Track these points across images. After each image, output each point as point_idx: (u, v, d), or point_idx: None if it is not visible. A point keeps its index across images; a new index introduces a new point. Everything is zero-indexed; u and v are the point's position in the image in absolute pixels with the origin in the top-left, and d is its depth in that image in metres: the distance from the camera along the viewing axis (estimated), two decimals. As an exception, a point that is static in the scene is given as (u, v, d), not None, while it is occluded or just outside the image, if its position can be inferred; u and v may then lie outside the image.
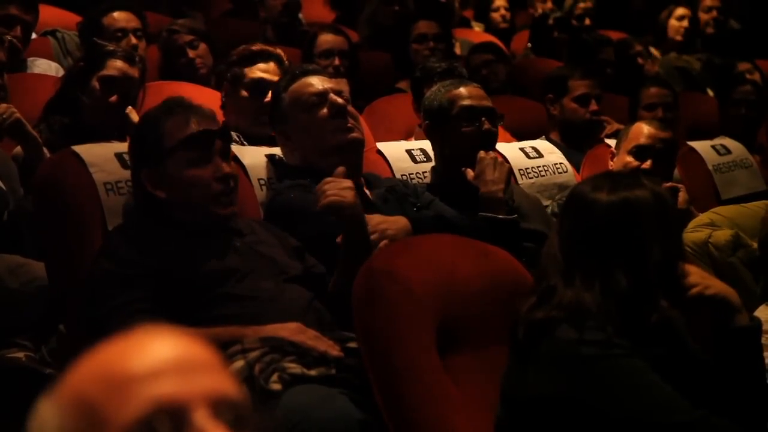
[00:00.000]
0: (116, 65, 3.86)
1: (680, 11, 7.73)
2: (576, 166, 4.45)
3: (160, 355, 1.11)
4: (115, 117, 3.83)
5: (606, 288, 2.17)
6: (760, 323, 2.35)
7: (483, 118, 3.54)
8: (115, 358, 1.11)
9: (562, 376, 2.13)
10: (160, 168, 2.80)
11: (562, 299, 2.18)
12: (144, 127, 2.92)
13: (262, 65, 4.00)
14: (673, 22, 7.70)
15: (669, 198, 2.33)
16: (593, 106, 4.93)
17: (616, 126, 5.09)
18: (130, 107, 3.88)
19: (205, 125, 2.82)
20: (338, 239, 2.88)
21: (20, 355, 3.22)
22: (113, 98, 3.81)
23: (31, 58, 4.69)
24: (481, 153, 3.43)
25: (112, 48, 3.96)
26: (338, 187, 2.82)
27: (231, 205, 2.84)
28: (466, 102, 3.56)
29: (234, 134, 3.88)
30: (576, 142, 4.85)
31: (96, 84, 3.82)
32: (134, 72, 3.90)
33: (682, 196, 3.93)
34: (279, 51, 4.13)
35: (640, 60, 6.63)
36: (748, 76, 6.40)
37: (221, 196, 2.80)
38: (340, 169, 2.89)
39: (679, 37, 7.66)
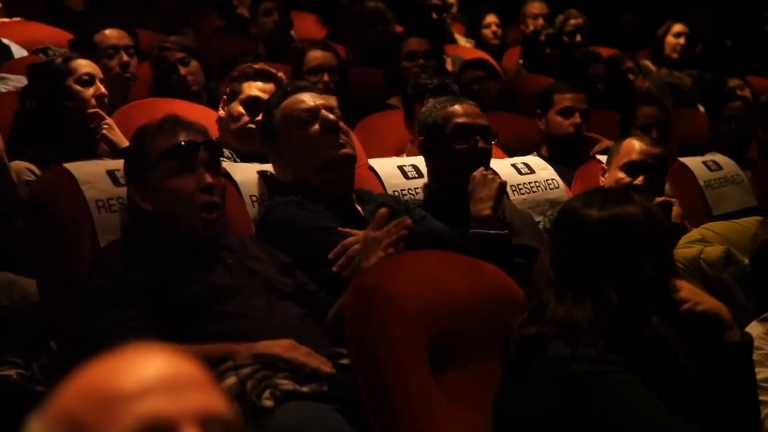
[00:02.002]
0: (83, 64, 4.00)
1: (678, 27, 7.72)
2: (567, 181, 4.45)
3: (149, 373, 1.11)
4: (104, 109, 3.98)
5: (597, 304, 2.17)
6: (752, 339, 2.35)
7: (477, 137, 3.54)
8: (104, 376, 1.11)
9: (554, 393, 2.13)
10: (146, 180, 2.83)
11: (553, 315, 2.18)
12: (134, 141, 2.96)
13: (260, 84, 4.01)
14: (670, 39, 7.70)
15: (660, 214, 2.34)
16: (576, 119, 4.94)
17: (606, 143, 5.10)
18: (110, 121, 3.94)
19: (191, 137, 2.84)
20: (331, 255, 2.88)
21: (12, 372, 3.21)
22: (99, 90, 3.94)
23: (18, 76, 4.68)
24: (474, 172, 3.43)
25: (67, 55, 4.06)
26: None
27: (215, 222, 2.83)
28: (461, 120, 3.55)
29: (227, 151, 3.89)
30: (562, 156, 4.86)
31: (76, 86, 3.90)
32: (95, 63, 4.05)
33: (676, 210, 3.94)
34: (281, 75, 4.13)
35: (630, 76, 6.64)
36: (738, 92, 6.42)
37: (206, 207, 2.80)
38: (384, 211, 2.91)
39: (675, 55, 7.66)
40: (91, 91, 3.96)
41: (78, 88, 3.94)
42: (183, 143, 2.83)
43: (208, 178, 2.81)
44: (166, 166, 2.81)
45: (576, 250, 2.24)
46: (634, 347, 2.18)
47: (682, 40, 7.68)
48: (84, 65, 3.99)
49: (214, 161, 2.89)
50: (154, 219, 2.83)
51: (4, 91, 4.41)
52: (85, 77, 3.96)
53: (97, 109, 3.97)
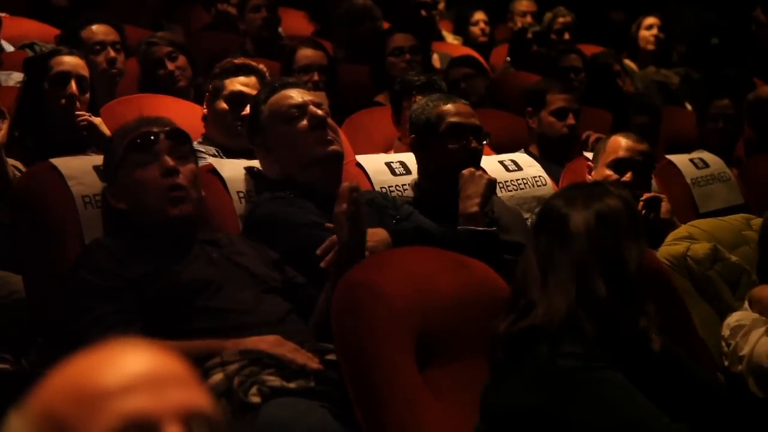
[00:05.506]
0: (62, 61, 3.90)
1: (648, 20, 7.74)
2: (555, 179, 4.46)
3: (131, 370, 1.10)
4: (74, 112, 3.86)
5: (584, 299, 2.17)
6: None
7: (470, 136, 3.53)
8: (86, 372, 1.10)
9: (542, 390, 2.13)
10: (117, 179, 2.84)
11: (540, 313, 2.17)
12: (107, 144, 2.97)
13: (242, 78, 4.00)
14: (643, 32, 7.73)
15: (633, 201, 2.35)
16: (570, 120, 4.96)
17: (596, 135, 5.13)
18: (99, 119, 3.89)
19: (150, 128, 2.85)
20: (318, 251, 2.87)
21: (5, 366, 3.19)
22: (71, 89, 3.83)
23: (7, 72, 4.67)
24: (463, 171, 3.43)
25: (50, 49, 3.98)
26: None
27: (183, 202, 2.82)
28: (455, 119, 3.53)
29: (213, 148, 3.88)
30: (553, 155, 4.87)
31: (47, 85, 3.84)
32: (82, 62, 3.94)
33: (665, 206, 3.94)
34: (262, 66, 4.12)
35: (617, 69, 6.64)
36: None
37: (172, 191, 2.80)
38: (346, 185, 2.79)
39: (650, 47, 7.68)
40: (61, 92, 3.87)
41: (49, 87, 3.86)
42: (141, 135, 2.83)
43: (169, 162, 2.81)
44: (131, 160, 2.82)
45: (562, 248, 2.23)
46: (622, 341, 2.18)
47: (654, 31, 7.69)
48: (62, 63, 3.89)
49: (179, 148, 2.88)
50: (131, 217, 2.83)
51: None
52: (58, 77, 3.87)
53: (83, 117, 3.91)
